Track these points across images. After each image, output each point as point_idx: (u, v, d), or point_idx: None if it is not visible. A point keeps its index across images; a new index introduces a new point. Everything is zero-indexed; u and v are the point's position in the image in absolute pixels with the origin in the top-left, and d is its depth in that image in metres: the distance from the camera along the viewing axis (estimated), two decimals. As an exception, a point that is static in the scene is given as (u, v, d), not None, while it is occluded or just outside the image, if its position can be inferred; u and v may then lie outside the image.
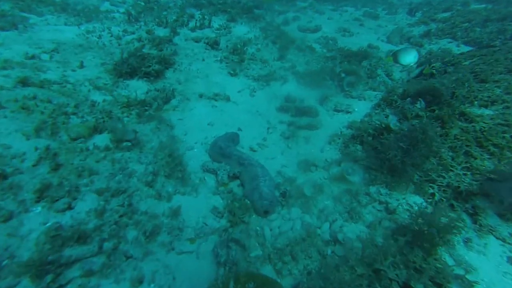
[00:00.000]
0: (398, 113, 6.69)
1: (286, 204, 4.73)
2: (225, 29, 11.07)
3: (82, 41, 8.58)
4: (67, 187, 3.95)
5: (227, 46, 9.75)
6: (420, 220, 3.81)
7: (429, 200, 4.60)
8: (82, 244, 3.39)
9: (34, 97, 5.26)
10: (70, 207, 3.78)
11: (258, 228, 4.25)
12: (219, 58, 9.08)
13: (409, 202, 4.66)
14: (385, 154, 5.25)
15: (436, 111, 5.55)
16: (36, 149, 4.35)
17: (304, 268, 3.77)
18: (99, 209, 3.81)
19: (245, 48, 9.51)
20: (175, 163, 4.68)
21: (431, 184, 4.67)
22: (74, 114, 5.41)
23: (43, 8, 10.50)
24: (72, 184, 4.02)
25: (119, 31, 9.32)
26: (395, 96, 7.14)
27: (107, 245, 3.51)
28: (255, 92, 8.16)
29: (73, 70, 7.12)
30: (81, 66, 7.31)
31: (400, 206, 4.61)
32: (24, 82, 5.66)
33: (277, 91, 8.31)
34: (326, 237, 4.24)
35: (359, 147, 6.16)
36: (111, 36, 9.08)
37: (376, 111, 7.17)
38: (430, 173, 4.70)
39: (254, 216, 4.49)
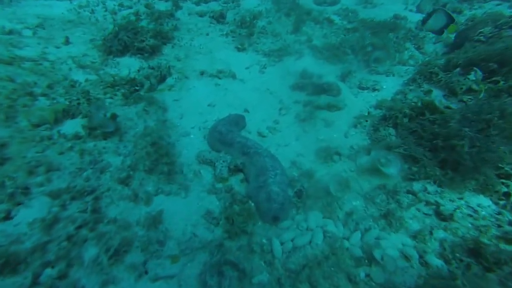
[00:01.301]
0: (441, 88, 5.24)
1: (302, 207, 3.52)
2: (233, 2, 9.67)
3: (73, 17, 7.47)
4: (10, 188, 2.89)
5: (234, 19, 8.39)
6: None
7: (501, 203, 3.26)
8: (8, 275, 2.33)
9: (-8, 75, 4.22)
10: (8, 217, 2.72)
11: (264, 241, 3.07)
12: (224, 33, 7.76)
13: (470, 204, 3.34)
14: (431, 141, 3.91)
15: (501, 83, 4.09)
16: (-20, 138, 3.31)
17: (328, 303, 2.59)
18: (49, 218, 2.73)
19: (254, 21, 8.12)
20: (159, 153, 3.54)
21: (503, 180, 3.31)
22: (44, 95, 4.34)
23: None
24: (19, 184, 2.96)
25: (114, 5, 8.13)
26: (436, 68, 5.66)
27: (50, 273, 2.43)
28: (265, 68, 6.85)
29: (57, 47, 6.05)
30: (67, 42, 6.22)
31: (458, 211, 3.30)
32: (-15, 58, 4.63)
33: (291, 67, 6.94)
34: (357, 253, 3.02)
35: (391, 130, 4.81)
36: (106, 10, 7.91)
37: (411, 87, 5.73)
38: (501, 165, 3.34)
39: (259, 223, 3.31)
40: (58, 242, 2.62)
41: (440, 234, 3.18)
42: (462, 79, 4.99)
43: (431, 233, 3.18)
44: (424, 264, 2.92)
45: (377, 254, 2.88)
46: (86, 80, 5.08)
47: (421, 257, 2.98)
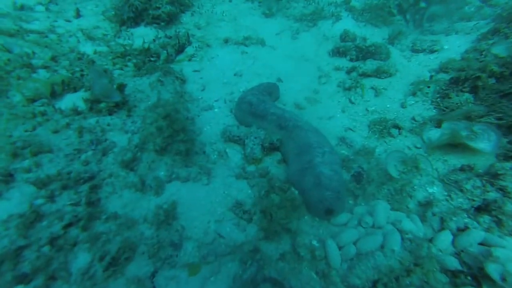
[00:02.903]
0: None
1: (362, 195, 2.53)
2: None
3: (87, -10, 6.72)
4: (-14, 175, 2.17)
5: (261, -17, 7.23)
6: None
7: None
8: None
9: (-16, 45, 3.53)
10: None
11: (315, 243, 2.14)
12: (250, -2, 6.67)
13: None
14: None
15: None
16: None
17: None
18: (28, 215, 1.97)
19: (283, -17, 6.92)
20: (173, 129, 2.67)
21: None
22: (45, 67, 3.60)
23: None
24: (0, 170, 2.23)
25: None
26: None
27: (20, 292, 1.69)
28: (298, 34, 5.74)
29: (67, 21, 5.31)
30: (77, 15, 5.47)
31: None
32: (-15, 30, 3.96)
33: (327, 31, 5.77)
34: (451, 263, 2.00)
35: (468, 96, 3.61)
36: (121, -18, 7.07)
37: (491, 41, 4.38)
38: None
39: (306, 217, 2.38)
40: (38, 247, 1.87)
41: None
42: None
43: None
44: None
45: (492, 270, 1.85)
46: (95, 52, 4.30)
47: None
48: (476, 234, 2.10)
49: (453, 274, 2.00)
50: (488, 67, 3.49)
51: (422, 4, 5.91)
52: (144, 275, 1.90)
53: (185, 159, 2.69)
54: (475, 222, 2.26)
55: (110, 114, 3.08)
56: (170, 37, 5.00)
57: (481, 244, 2.07)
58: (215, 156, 3.04)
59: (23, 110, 2.85)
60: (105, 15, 5.49)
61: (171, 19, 5.53)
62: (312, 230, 2.29)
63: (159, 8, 5.37)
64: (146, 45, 4.52)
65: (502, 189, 2.43)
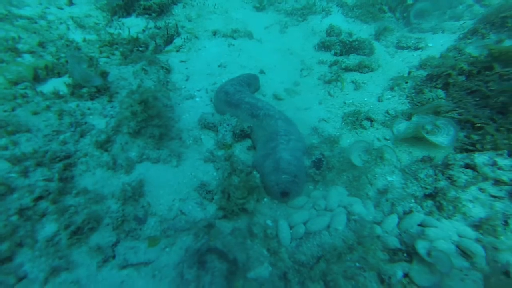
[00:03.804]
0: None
1: (322, 181, 2.70)
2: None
3: (83, -21, 6.86)
4: (-37, 150, 2.36)
5: (255, -23, 7.32)
6: None
7: None
8: None
9: (-28, 28, 3.70)
10: (-44, 184, 2.19)
11: (269, 222, 2.32)
12: (243, -9, 6.77)
13: None
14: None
15: None
16: None
17: (351, 312, 1.81)
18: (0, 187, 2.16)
19: (276, -23, 7.02)
20: (148, 114, 2.84)
21: None
22: (31, 52, 3.78)
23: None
24: (-24, 146, 2.42)
25: (126, -34, 7.39)
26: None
27: (-11, 255, 1.88)
28: (287, 28, 5.87)
29: (59, 8, 5.48)
30: (70, 3, 5.63)
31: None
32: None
33: (316, 26, 5.89)
34: (393, 243, 2.17)
35: (440, 92, 3.74)
36: (117, -28, 7.20)
37: (469, 41, 4.51)
38: None
39: (266, 200, 2.55)
40: (6, 217, 2.05)
41: (516, 223, 2.23)
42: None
43: (506, 223, 2.23)
44: (494, 264, 2.02)
45: (421, 247, 2.01)
46: (84, 40, 4.47)
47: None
48: (417, 217, 2.27)
49: (393, 252, 2.17)
50: (458, 65, 3.62)
51: (409, 1, 6.00)
52: (106, 244, 2.09)
53: (157, 143, 2.86)
54: (419, 207, 2.43)
55: (91, 99, 3.25)
56: (159, 28, 5.15)
57: (420, 225, 2.24)
58: (190, 141, 3.22)
59: (4, 92, 3.03)
60: (97, 4, 5.64)
61: (162, 10, 5.66)
62: (270, 212, 2.46)
63: (150, -1, 5.51)
64: (134, 35, 4.66)
65: (450, 178, 2.59)
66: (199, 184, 2.59)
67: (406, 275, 2.02)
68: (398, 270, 2.03)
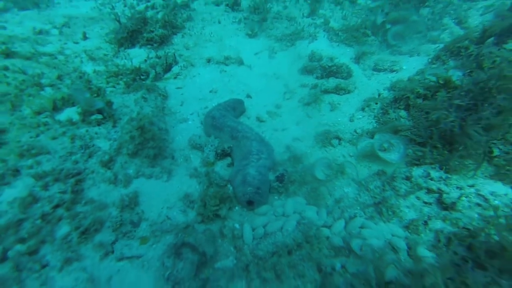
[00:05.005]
0: (470, 64, 4.55)
1: (285, 192, 3.29)
2: (250, -12, 9.41)
3: (95, 14, 7.84)
4: (1, 170, 3.07)
5: (249, 5, 8.16)
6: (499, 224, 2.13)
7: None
8: None
9: (6, 68, 4.52)
10: (-3, 195, 2.90)
11: (236, 225, 2.92)
12: (237, 20, 7.59)
13: (482, 192, 2.85)
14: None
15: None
16: (-19, 124, 3.56)
17: (291, 293, 2.37)
18: (27, 198, 2.84)
19: (268, 6, 7.83)
20: (144, 137, 3.52)
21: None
22: (51, 85, 4.58)
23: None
24: (10, 167, 3.13)
25: (133, 0, 8.38)
26: (466, 42, 4.94)
27: (19, 249, 2.53)
28: (275, 53, 6.58)
29: (75, 42, 6.38)
30: (84, 37, 6.53)
31: (464, 199, 2.84)
32: (7, 54, 4.98)
33: (303, 51, 6.57)
34: (337, 242, 2.73)
35: (403, 113, 4.31)
36: (125, 6, 8.18)
37: (433, 66, 5.09)
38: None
39: (237, 208, 3.16)
40: (33, 220, 2.73)
41: (437, 224, 2.75)
42: (495, 49, 4.29)
43: (426, 223, 2.77)
44: (414, 256, 2.55)
45: (355, 244, 2.57)
46: (94, 71, 5.27)
47: (410, 249, 2.62)
48: (358, 221, 2.82)
49: (338, 249, 2.72)
50: (415, 89, 4.20)
51: (387, 25, 6.64)
52: (107, 242, 2.73)
53: (151, 162, 3.53)
54: (362, 212, 2.98)
55: (98, 125, 3.97)
56: (159, 57, 5.94)
57: (360, 227, 2.79)
58: (181, 160, 3.88)
59: (30, 121, 3.78)
60: (106, 37, 6.51)
61: (163, 41, 6.49)
62: (239, 218, 3.06)
63: (152, 31, 6.35)
64: (137, 65, 5.44)
65: (394, 188, 3.14)
66: (184, 195, 3.22)
67: (343, 266, 2.56)
68: (337, 263, 2.58)
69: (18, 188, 2.96)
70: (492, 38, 4.82)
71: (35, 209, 2.81)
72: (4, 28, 6.52)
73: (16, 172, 3.15)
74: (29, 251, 2.55)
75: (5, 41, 5.78)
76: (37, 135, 3.57)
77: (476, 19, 7.26)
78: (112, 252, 2.69)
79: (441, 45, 6.23)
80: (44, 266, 2.49)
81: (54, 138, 3.60)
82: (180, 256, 2.43)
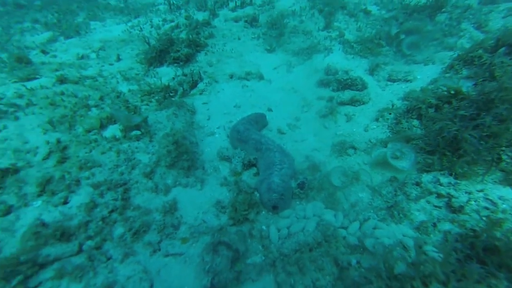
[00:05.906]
0: (482, 73, 4.85)
1: (305, 198, 3.73)
2: (268, 4, 10.00)
3: (125, 36, 8.64)
4: (68, 180, 3.70)
5: (266, 21, 8.72)
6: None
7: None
8: (64, 242, 3.05)
9: (62, 93, 5.25)
10: (66, 202, 3.51)
11: (264, 227, 3.38)
12: (256, 35, 8.16)
13: (490, 197, 3.17)
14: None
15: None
16: (48, 143, 4.23)
17: (312, 284, 2.78)
18: (90, 203, 3.44)
19: (285, 21, 8.36)
20: (179, 151, 4.07)
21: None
22: (96, 106, 5.26)
23: (105, 14, 11.01)
24: (73, 178, 3.76)
25: (159, 21, 9.15)
26: (480, 50, 5.21)
27: (90, 244, 3.11)
28: (293, 67, 7.06)
29: (111, 64, 7.13)
30: (118, 59, 7.29)
31: (472, 202, 3.16)
32: (62, 80, 5.75)
33: (319, 64, 7.02)
34: (353, 241, 3.12)
35: (415, 122, 4.66)
36: (152, 27, 8.95)
37: (447, 75, 5.40)
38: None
39: (263, 212, 3.62)
40: (96, 222, 3.31)
41: (445, 226, 3.10)
42: (507, 59, 4.57)
43: (435, 224, 3.12)
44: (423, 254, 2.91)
45: (368, 243, 2.97)
46: (129, 91, 5.94)
47: (419, 247, 2.97)
48: (372, 222, 3.21)
49: (354, 248, 3.12)
50: (427, 99, 4.54)
51: (402, 36, 6.97)
52: (154, 241, 3.26)
53: (186, 172, 4.06)
54: (375, 215, 3.36)
55: (137, 140, 4.57)
56: (186, 75, 6.56)
57: (373, 228, 3.17)
58: (211, 170, 4.40)
59: (83, 138, 4.43)
60: (137, 58, 7.24)
61: (188, 59, 7.12)
62: (265, 220, 3.52)
63: (178, 51, 7.01)
64: (166, 83, 6.06)
65: (405, 193, 3.50)
66: (216, 202, 3.73)
67: (358, 262, 2.96)
68: (353, 259, 2.98)
69: (82, 196, 3.57)
70: (503, 48, 5.07)
71: (96, 213, 3.40)
72: (55, 56, 7.41)
73: (78, 182, 3.77)
74: (96, 246, 3.13)
75: (58, 68, 6.60)
76: (90, 151, 4.20)
77: (497, 22, 7.41)
78: (159, 249, 3.22)
79: (457, 53, 6.51)
80: (109, 259, 3.07)
81: (103, 153, 4.22)
82: (217, 252, 2.92)
